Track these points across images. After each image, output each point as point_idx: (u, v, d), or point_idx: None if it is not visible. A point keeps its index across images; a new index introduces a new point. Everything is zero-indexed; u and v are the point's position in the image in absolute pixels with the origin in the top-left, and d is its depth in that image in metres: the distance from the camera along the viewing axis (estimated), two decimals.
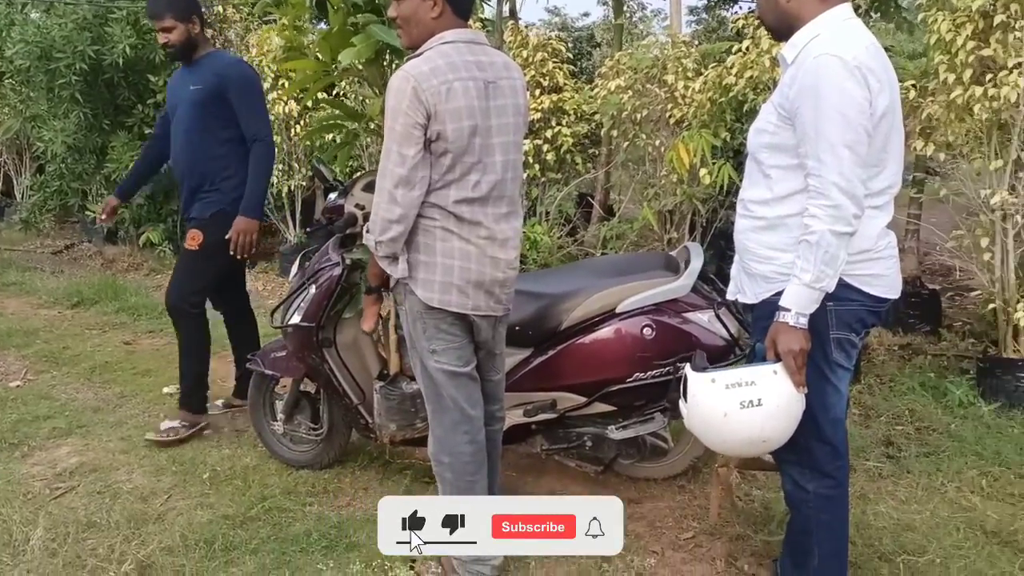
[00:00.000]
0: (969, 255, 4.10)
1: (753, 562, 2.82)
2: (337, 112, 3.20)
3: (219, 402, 4.22)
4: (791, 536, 2.45)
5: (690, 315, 3.13)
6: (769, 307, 2.14)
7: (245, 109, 3.54)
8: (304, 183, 7.55)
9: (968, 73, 3.53)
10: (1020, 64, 3.43)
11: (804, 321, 2.03)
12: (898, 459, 3.58)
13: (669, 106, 4.95)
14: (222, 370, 4.95)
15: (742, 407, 2.05)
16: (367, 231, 2.46)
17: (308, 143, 7.11)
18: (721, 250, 5.02)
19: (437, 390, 2.59)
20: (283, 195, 7.43)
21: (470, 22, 2.52)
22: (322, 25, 3.70)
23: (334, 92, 6.98)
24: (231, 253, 3.68)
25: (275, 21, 5.60)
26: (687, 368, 2.24)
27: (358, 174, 3.33)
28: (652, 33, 6.46)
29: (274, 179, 7.20)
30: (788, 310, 2.03)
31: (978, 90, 3.50)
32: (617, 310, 3.11)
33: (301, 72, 3.12)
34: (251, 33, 7.68)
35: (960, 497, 3.22)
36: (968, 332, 5.25)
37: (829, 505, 2.28)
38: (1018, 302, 3.88)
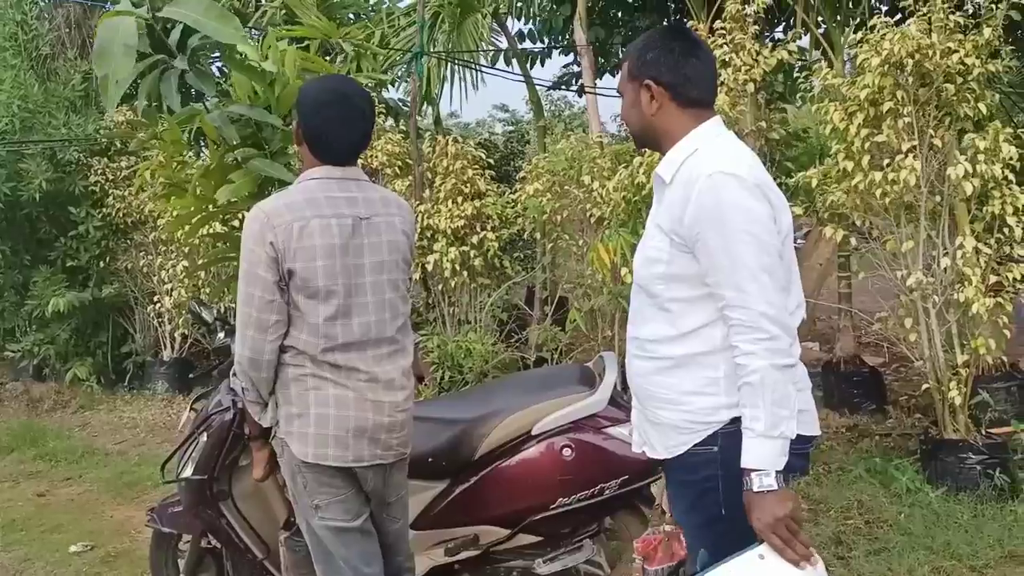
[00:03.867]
0: (897, 336, 4.03)
1: None
2: (226, 245, 3.05)
3: None
4: None
5: (611, 430, 2.97)
6: (685, 461, 1.86)
7: None
8: (233, 304, 7.35)
9: (866, 159, 3.54)
10: (914, 147, 3.45)
11: (772, 482, 1.67)
12: (848, 560, 3.41)
13: (588, 206, 4.92)
14: (138, 517, 4.65)
15: None
16: (233, 375, 2.28)
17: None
18: None
19: (325, 549, 2.36)
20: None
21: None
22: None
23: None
24: None
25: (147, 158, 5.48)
26: None
27: None
28: (571, 132, 6.50)
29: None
30: (751, 471, 1.69)
31: (877, 175, 3.49)
32: (533, 432, 2.95)
33: (183, 209, 2.99)
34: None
35: None
36: (913, 407, 5.17)
37: None
38: (950, 380, 3.79)
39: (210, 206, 2.96)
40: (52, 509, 4.87)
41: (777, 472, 1.68)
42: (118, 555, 4.08)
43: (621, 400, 3.04)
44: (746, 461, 1.70)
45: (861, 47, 3.56)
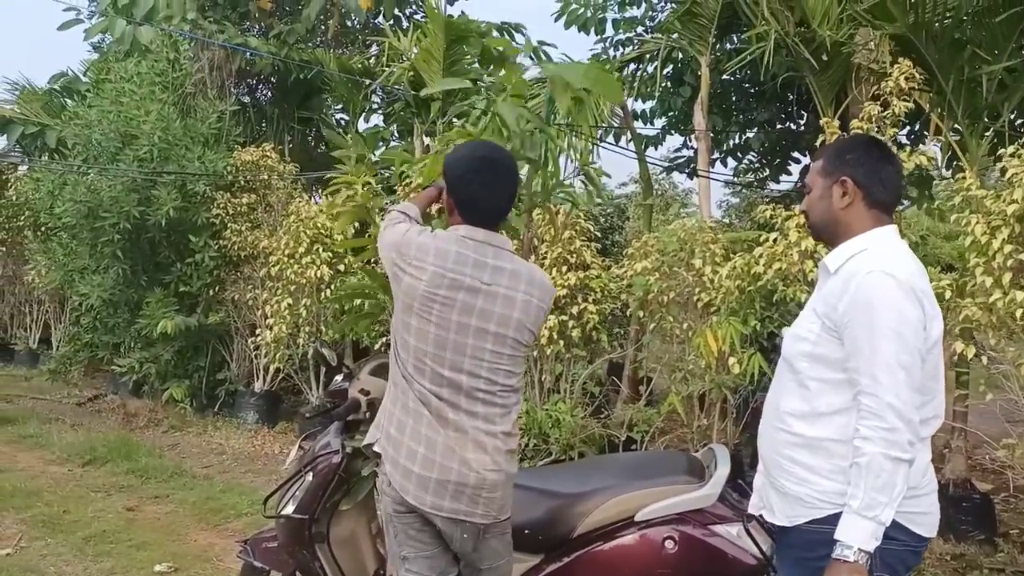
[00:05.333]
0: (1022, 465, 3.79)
1: None
2: (367, 281, 3.13)
3: None
4: None
5: (717, 528, 2.86)
6: (804, 535, 1.96)
7: None
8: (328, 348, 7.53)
9: (1007, 277, 3.40)
10: None
11: (859, 558, 1.79)
12: None
13: (697, 290, 4.87)
14: (220, 544, 4.72)
15: None
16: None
17: (337, 306, 7.14)
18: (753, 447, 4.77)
19: None
20: (308, 356, 7.39)
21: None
22: None
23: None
24: None
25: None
26: None
27: (366, 358, 3.22)
28: (684, 214, 6.46)
29: (300, 340, 7.20)
30: (839, 543, 1.82)
31: (1020, 295, 3.34)
32: (636, 517, 2.86)
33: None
34: (292, 200, 7.93)
35: None
36: None
37: None
38: None
39: None
40: (139, 525, 4.99)
41: (861, 550, 1.79)
42: None
43: (730, 498, 2.94)
44: (839, 532, 1.83)
45: (1012, 160, 3.46)
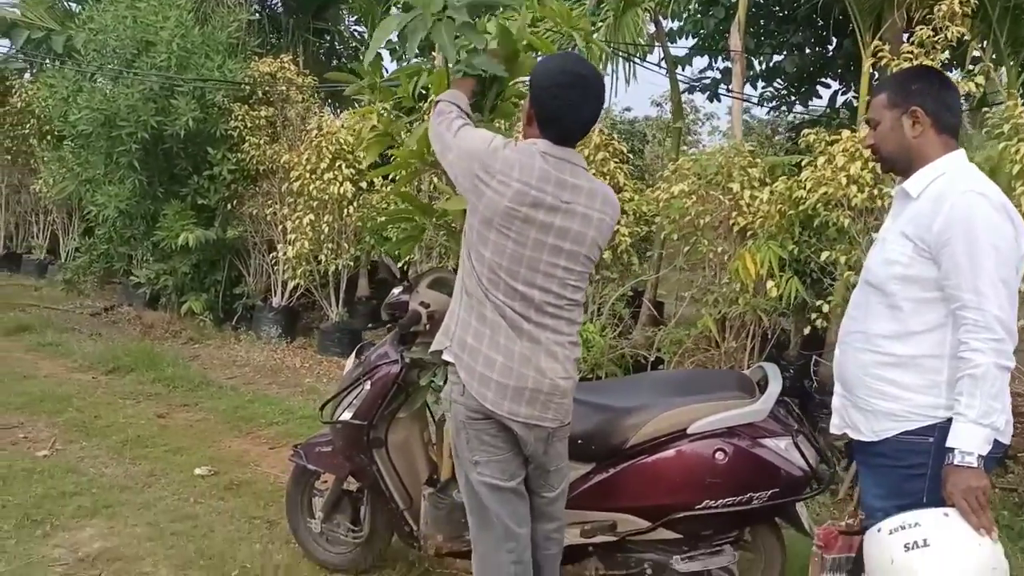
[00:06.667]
0: None
1: None
2: (407, 205, 3.11)
3: None
4: None
5: (766, 441, 2.92)
6: (895, 446, 2.06)
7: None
8: (351, 263, 7.52)
9: None
10: None
11: (973, 460, 1.89)
12: None
13: (734, 214, 4.85)
14: (254, 451, 4.81)
15: (907, 549, 1.90)
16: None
17: (360, 224, 7.11)
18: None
19: (480, 504, 2.44)
20: (329, 273, 7.39)
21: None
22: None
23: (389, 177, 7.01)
24: None
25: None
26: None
27: (424, 271, 3.21)
28: (711, 138, 6.34)
29: (322, 257, 7.19)
30: (955, 451, 1.92)
31: None
32: (688, 430, 2.92)
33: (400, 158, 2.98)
34: (312, 115, 7.79)
35: None
36: None
37: None
38: None
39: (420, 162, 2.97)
40: (172, 431, 5.07)
41: (979, 455, 1.88)
42: (240, 484, 4.21)
43: (779, 414, 3.00)
44: (952, 442, 1.91)
45: None
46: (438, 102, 2.50)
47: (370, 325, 3.94)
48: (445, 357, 2.41)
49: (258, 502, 4.00)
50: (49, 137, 9.68)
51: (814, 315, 4.52)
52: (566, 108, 2.30)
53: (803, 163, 4.54)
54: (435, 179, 3.38)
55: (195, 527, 3.67)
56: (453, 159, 2.36)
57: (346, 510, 3.35)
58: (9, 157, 10.99)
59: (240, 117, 7.62)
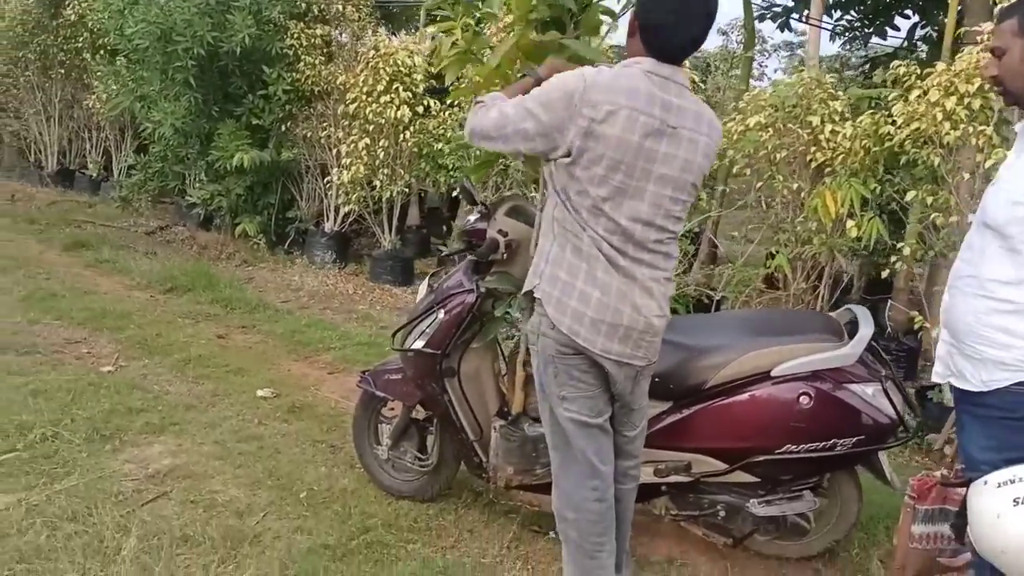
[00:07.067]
0: None
1: None
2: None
3: None
4: None
5: (853, 386, 2.82)
6: (1006, 397, 1.95)
7: None
8: (406, 189, 7.42)
9: None
10: None
11: None
12: None
13: (812, 149, 4.62)
14: (314, 375, 4.82)
15: (1016, 504, 1.84)
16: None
17: (416, 150, 6.99)
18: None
19: (566, 439, 2.37)
20: (382, 200, 7.30)
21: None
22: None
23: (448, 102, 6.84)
24: None
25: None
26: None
27: (500, 197, 3.10)
28: (801, 68, 5.96)
29: (376, 182, 7.09)
30: None
31: None
32: (772, 372, 2.81)
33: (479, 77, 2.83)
34: (367, 34, 7.59)
35: None
36: None
37: None
38: None
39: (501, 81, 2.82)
40: (232, 352, 5.09)
41: None
42: (302, 407, 4.22)
43: (867, 359, 2.88)
44: None
45: None
46: (477, 101, 2.33)
47: (442, 253, 3.82)
48: (537, 295, 2.31)
49: (320, 426, 4.01)
50: (102, 51, 9.61)
51: (893, 258, 4.32)
52: (675, 22, 2.13)
53: (890, 98, 4.28)
54: None
55: (261, 448, 3.68)
56: (538, 119, 2.13)
57: (413, 438, 3.33)
58: (63, 71, 10.95)
59: (296, 35, 7.45)
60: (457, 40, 2.72)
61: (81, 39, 10.22)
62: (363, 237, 8.33)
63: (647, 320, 2.24)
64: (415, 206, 8.75)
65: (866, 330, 2.83)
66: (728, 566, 3.06)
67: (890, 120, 4.21)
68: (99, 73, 9.33)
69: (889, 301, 4.75)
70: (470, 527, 3.18)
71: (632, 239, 2.17)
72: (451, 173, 6.92)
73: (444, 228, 8.94)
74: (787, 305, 4.81)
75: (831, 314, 3.16)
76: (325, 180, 7.62)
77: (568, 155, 2.13)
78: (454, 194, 7.14)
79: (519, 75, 2.74)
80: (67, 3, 10.12)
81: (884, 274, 4.43)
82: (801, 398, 2.78)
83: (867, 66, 8.09)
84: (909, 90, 4.16)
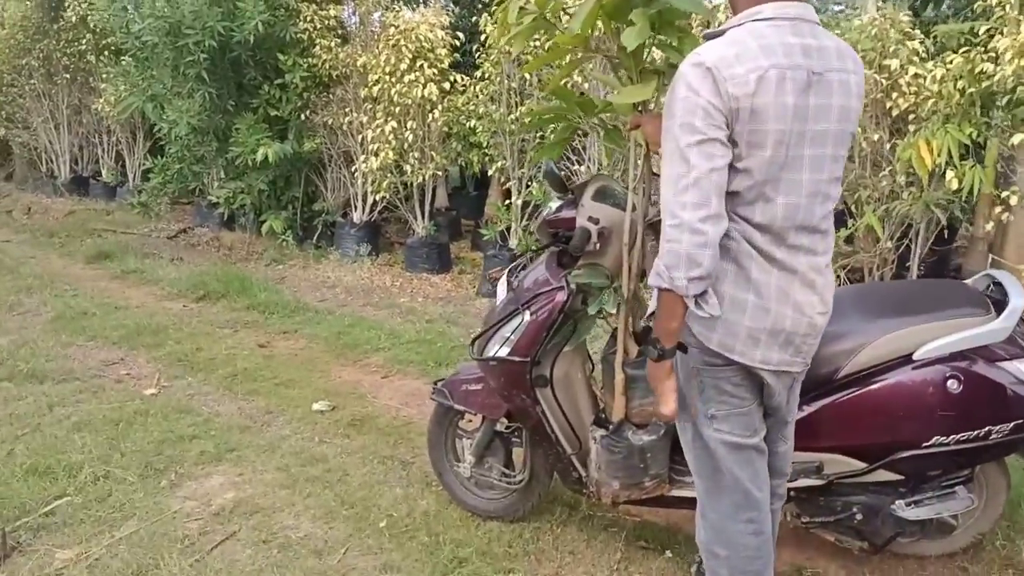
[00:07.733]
0: None
1: None
2: (559, 103, 2.58)
3: None
4: None
5: (1007, 365, 2.45)
6: None
7: None
8: (439, 172, 7.05)
9: None
10: None
11: None
12: None
13: (894, 95, 4.20)
14: (367, 381, 4.51)
15: None
16: (657, 273, 1.82)
17: (446, 129, 6.61)
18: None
19: (715, 465, 2.03)
20: (413, 185, 6.93)
21: None
22: None
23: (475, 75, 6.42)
24: None
25: None
26: None
27: (585, 180, 2.72)
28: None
29: (407, 167, 6.72)
30: None
31: None
32: (915, 356, 2.45)
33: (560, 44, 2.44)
34: (380, 10, 7.17)
35: None
36: None
37: None
38: None
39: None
40: (277, 362, 4.79)
41: None
42: (362, 419, 3.91)
43: (1018, 333, 2.51)
44: None
45: None
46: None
47: (532, 248, 3.46)
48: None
49: (386, 439, 3.70)
50: (107, 52, 9.25)
51: (998, 208, 3.91)
52: None
53: (986, 31, 3.84)
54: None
55: (328, 471, 3.38)
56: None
57: (498, 452, 3.00)
58: (68, 76, 10.61)
59: (309, 18, 7.06)
60: (527, 3, 2.33)
61: (84, 41, 9.86)
62: (396, 224, 7.97)
63: (810, 320, 1.89)
64: (442, 187, 8.37)
65: (1018, 300, 2.45)
66: (866, 572, 2.73)
67: (986, 57, 3.78)
68: (106, 75, 8.98)
69: (991, 257, 4.33)
70: (571, 548, 2.87)
71: (793, 221, 1.80)
72: (484, 152, 6.53)
73: (475, 210, 8.56)
74: (873, 267, 4.42)
75: (967, 282, 2.78)
76: (352, 169, 7.25)
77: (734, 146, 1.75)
78: (489, 172, 6.74)
79: (604, 52, 2.36)
80: (67, 4, 9.75)
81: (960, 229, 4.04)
82: (949, 382, 2.42)
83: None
84: (1015, 22, 3.72)
